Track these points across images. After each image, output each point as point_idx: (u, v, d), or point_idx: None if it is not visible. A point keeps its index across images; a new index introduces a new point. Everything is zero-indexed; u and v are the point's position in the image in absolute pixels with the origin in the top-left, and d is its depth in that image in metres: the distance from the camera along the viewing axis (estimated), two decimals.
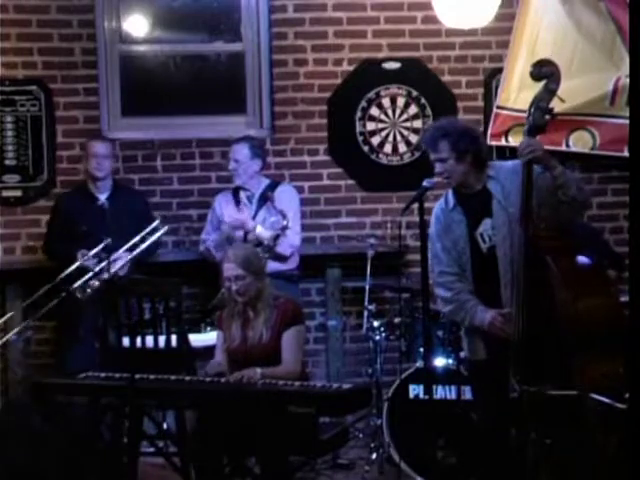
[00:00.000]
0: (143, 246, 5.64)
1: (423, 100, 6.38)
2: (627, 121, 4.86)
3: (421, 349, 5.37)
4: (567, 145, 6.13)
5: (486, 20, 5.88)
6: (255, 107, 6.44)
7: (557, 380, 3.75)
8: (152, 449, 5.05)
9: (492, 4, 5.81)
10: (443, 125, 4.30)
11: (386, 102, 6.38)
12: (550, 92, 4.01)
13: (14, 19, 6.10)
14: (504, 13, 6.06)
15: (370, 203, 6.37)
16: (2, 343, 5.64)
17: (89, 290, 5.44)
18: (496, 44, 6.32)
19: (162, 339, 5.01)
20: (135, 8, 6.44)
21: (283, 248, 5.60)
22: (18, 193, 6.19)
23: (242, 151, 5.75)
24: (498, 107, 6.22)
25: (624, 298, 4.07)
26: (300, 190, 6.16)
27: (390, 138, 6.38)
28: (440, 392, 5.21)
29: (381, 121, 6.39)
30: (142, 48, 6.47)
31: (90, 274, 5.47)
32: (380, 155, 6.39)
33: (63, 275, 5.46)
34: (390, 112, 6.38)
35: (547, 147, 4.11)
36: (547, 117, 3.98)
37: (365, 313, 5.70)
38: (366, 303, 5.71)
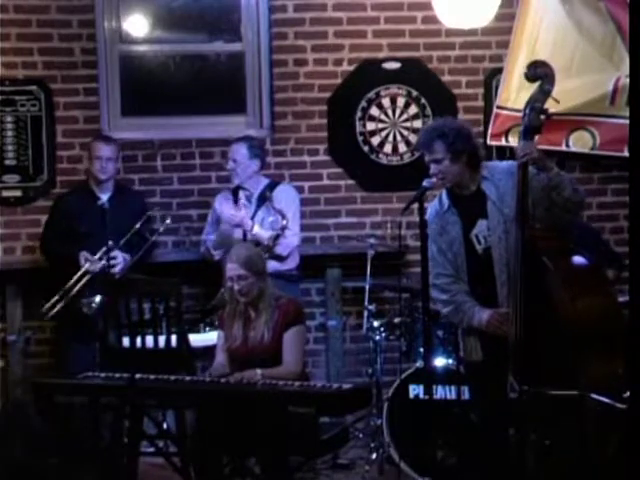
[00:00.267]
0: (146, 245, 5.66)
1: (423, 100, 6.37)
2: (627, 121, 4.86)
3: (421, 349, 5.37)
4: (567, 145, 6.13)
5: (486, 20, 5.88)
6: (255, 107, 6.44)
7: (556, 380, 3.75)
8: (152, 449, 5.04)
9: (492, 4, 5.81)
10: (439, 125, 4.28)
11: (386, 102, 6.38)
12: (545, 93, 4.01)
13: (14, 19, 6.09)
14: (504, 13, 6.06)
15: (370, 203, 6.37)
16: (2, 343, 5.64)
17: (94, 305, 5.44)
18: (496, 44, 6.31)
19: (162, 339, 5.01)
20: (135, 8, 6.44)
21: (282, 248, 5.60)
22: (18, 193, 6.18)
23: (240, 151, 5.73)
24: (498, 107, 6.22)
25: (624, 298, 4.08)
26: (300, 190, 6.15)
27: (390, 138, 6.38)
28: (440, 392, 5.21)
29: (381, 121, 6.38)
30: (142, 48, 6.46)
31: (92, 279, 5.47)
32: (380, 155, 6.39)
33: (68, 286, 5.46)
34: (390, 112, 6.38)
35: (547, 147, 4.12)
36: (542, 117, 3.99)
37: (365, 313, 5.70)
38: (366, 303, 5.71)
